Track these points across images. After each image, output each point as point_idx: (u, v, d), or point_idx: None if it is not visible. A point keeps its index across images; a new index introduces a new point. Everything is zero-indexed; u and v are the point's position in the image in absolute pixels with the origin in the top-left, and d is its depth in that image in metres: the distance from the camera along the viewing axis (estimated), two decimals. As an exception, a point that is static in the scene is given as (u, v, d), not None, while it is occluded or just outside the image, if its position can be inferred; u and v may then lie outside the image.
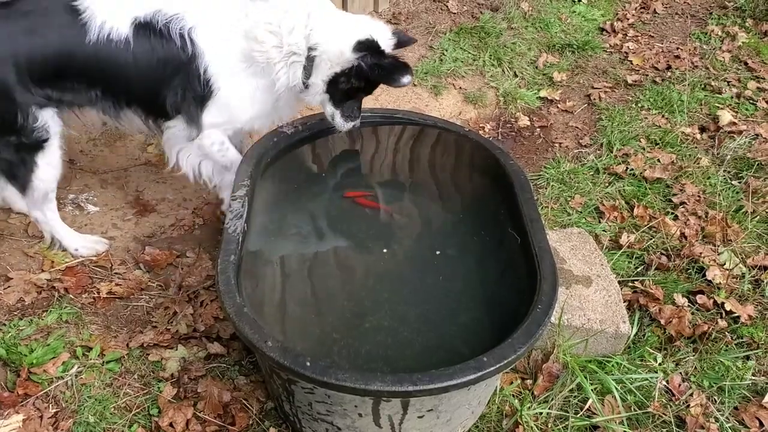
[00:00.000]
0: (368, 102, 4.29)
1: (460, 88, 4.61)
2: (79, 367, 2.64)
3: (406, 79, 2.73)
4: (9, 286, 2.88)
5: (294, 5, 2.73)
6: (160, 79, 2.75)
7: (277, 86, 2.81)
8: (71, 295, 2.90)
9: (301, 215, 2.85)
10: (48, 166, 2.83)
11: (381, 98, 4.35)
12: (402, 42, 2.86)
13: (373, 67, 2.73)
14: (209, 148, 2.99)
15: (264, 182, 2.88)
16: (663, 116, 4.48)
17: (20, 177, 2.83)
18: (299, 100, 2.99)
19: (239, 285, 2.30)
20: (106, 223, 3.29)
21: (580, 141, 4.31)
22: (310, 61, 2.76)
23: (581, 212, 3.67)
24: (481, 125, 4.40)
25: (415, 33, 4.88)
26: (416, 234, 2.85)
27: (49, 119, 2.72)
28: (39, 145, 2.75)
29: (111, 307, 2.92)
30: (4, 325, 2.73)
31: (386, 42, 2.77)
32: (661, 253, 3.39)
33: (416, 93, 4.50)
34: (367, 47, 2.71)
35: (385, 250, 2.67)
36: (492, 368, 2.02)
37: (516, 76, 4.82)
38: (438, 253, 2.70)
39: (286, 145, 3.07)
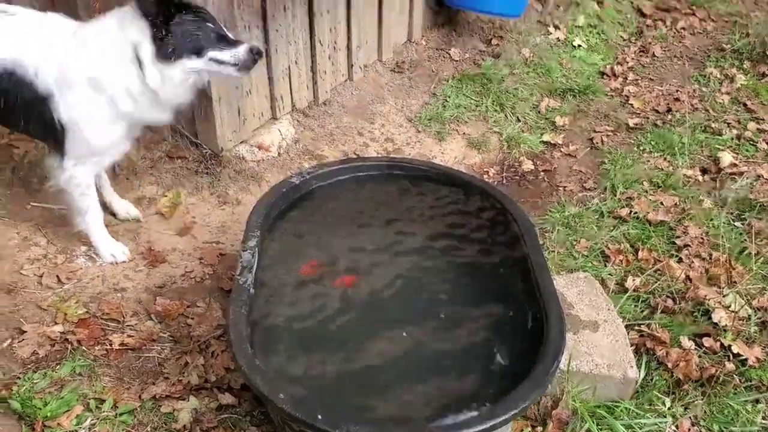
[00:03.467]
0: (372, 150, 4.39)
1: (464, 133, 4.69)
2: (92, 420, 2.66)
3: None
4: (23, 339, 2.91)
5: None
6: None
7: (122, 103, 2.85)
8: (84, 347, 2.93)
9: (310, 265, 2.90)
10: None
11: (386, 146, 4.44)
12: None
13: None
14: (72, 184, 3.09)
15: (274, 234, 2.93)
16: (665, 159, 4.54)
17: None
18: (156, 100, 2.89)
19: (251, 336, 2.34)
20: (118, 274, 3.34)
21: (584, 184, 4.36)
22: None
23: (587, 256, 3.70)
24: (485, 170, 4.47)
25: (419, 81, 4.98)
26: (420, 278, 2.88)
27: None
28: None
29: (123, 359, 2.95)
30: (19, 378, 2.76)
31: None
32: (667, 296, 3.41)
33: (420, 139, 4.58)
34: None
35: (397, 300, 2.71)
36: (502, 418, 2.05)
37: (519, 120, 4.91)
38: (444, 298, 2.74)
39: (294, 196, 3.14)
